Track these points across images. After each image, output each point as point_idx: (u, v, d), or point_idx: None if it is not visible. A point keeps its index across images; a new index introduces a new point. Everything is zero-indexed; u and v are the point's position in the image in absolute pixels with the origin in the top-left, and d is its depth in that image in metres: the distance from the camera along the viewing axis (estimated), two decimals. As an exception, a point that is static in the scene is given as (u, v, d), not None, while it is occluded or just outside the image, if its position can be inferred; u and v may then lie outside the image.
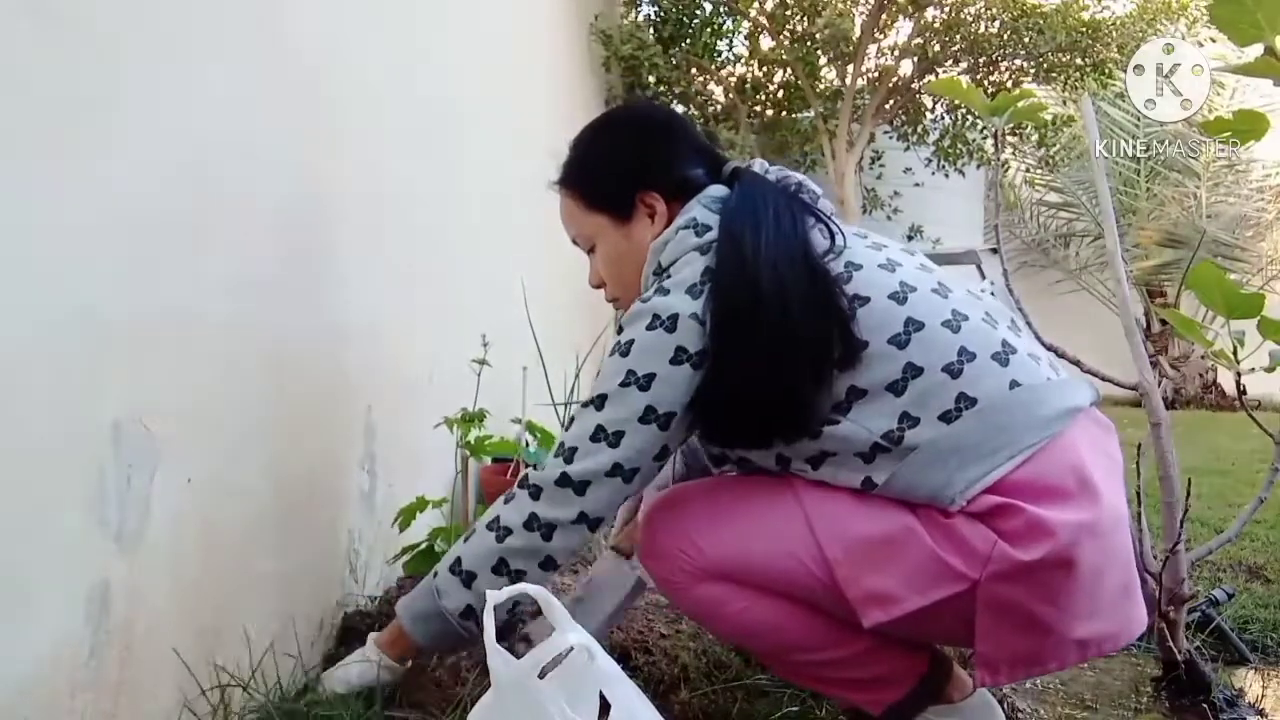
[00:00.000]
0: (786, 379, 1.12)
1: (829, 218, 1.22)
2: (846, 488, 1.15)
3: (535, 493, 1.17)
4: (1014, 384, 1.12)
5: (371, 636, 1.30)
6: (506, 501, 1.20)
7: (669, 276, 1.20)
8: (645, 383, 1.13)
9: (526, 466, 2.37)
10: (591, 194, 1.30)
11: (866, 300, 1.14)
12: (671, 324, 1.13)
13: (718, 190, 1.26)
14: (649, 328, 1.14)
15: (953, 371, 1.11)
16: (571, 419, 1.20)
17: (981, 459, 1.08)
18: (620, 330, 1.18)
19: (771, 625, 1.18)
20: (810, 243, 1.18)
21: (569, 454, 1.16)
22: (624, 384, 1.14)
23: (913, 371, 1.11)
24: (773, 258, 1.14)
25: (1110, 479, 1.14)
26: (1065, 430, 1.11)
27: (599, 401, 1.16)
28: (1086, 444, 1.14)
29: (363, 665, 1.28)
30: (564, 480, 1.15)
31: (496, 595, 0.97)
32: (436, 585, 1.20)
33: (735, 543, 1.18)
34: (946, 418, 1.10)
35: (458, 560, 1.19)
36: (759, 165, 1.32)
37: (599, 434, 1.15)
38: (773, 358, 1.12)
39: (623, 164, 1.30)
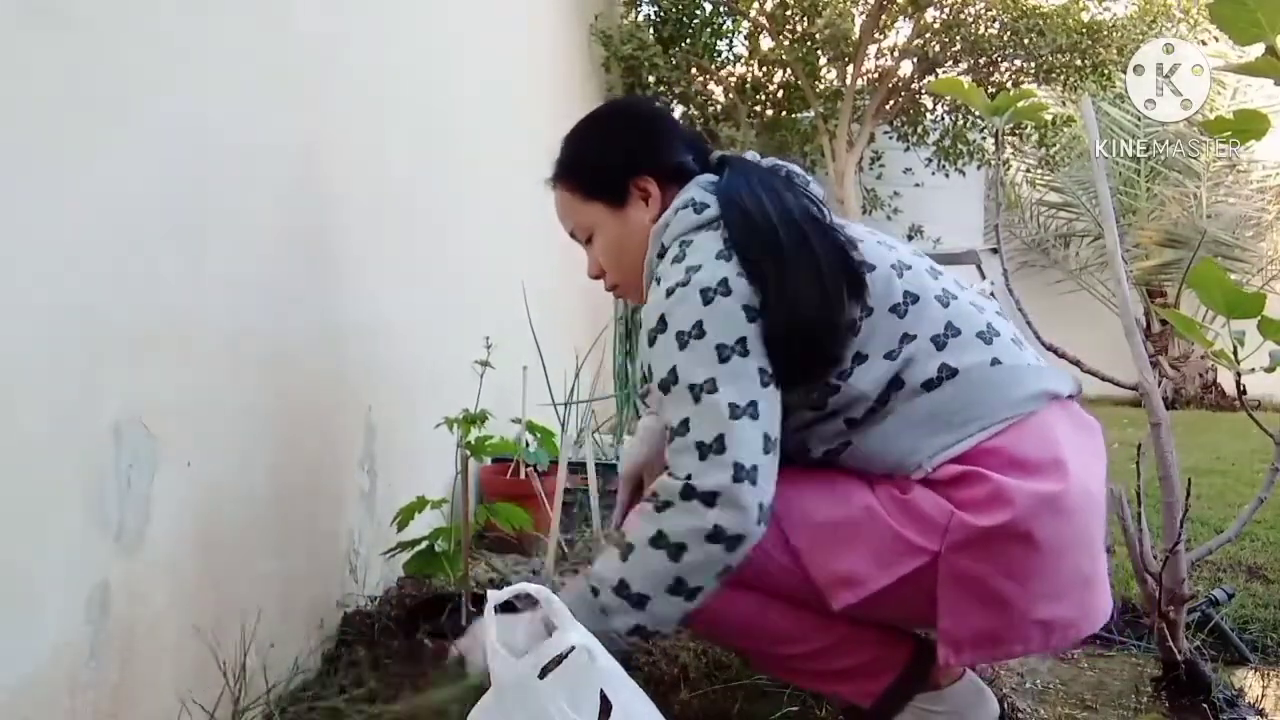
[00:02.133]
0: (829, 307, 1.13)
1: (818, 200, 1.24)
2: (805, 465, 1.18)
3: (709, 499, 1.05)
4: (995, 361, 1.16)
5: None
6: (661, 510, 1.07)
7: (682, 256, 1.18)
8: (743, 348, 1.09)
9: (527, 466, 2.38)
10: (586, 184, 1.31)
11: (873, 268, 1.17)
12: (725, 288, 1.11)
13: (709, 176, 1.28)
14: (706, 302, 1.10)
15: (938, 343, 1.15)
16: (679, 425, 1.09)
17: (953, 428, 1.12)
18: (664, 323, 1.12)
19: (748, 618, 1.19)
20: (800, 198, 1.21)
21: (718, 444, 1.06)
22: (724, 359, 1.09)
23: (906, 339, 1.15)
24: (780, 214, 1.17)
25: (1085, 464, 1.15)
26: (1041, 411, 1.15)
27: (709, 385, 1.08)
28: (1064, 429, 1.16)
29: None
30: (739, 475, 1.05)
31: (496, 595, 0.97)
32: (602, 604, 1.08)
33: None
34: (928, 385, 1.14)
35: (623, 582, 1.07)
36: (750, 155, 1.34)
37: (736, 411, 1.07)
38: (813, 279, 1.13)
39: (615, 152, 1.31)
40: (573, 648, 0.91)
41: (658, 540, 1.06)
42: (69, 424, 0.93)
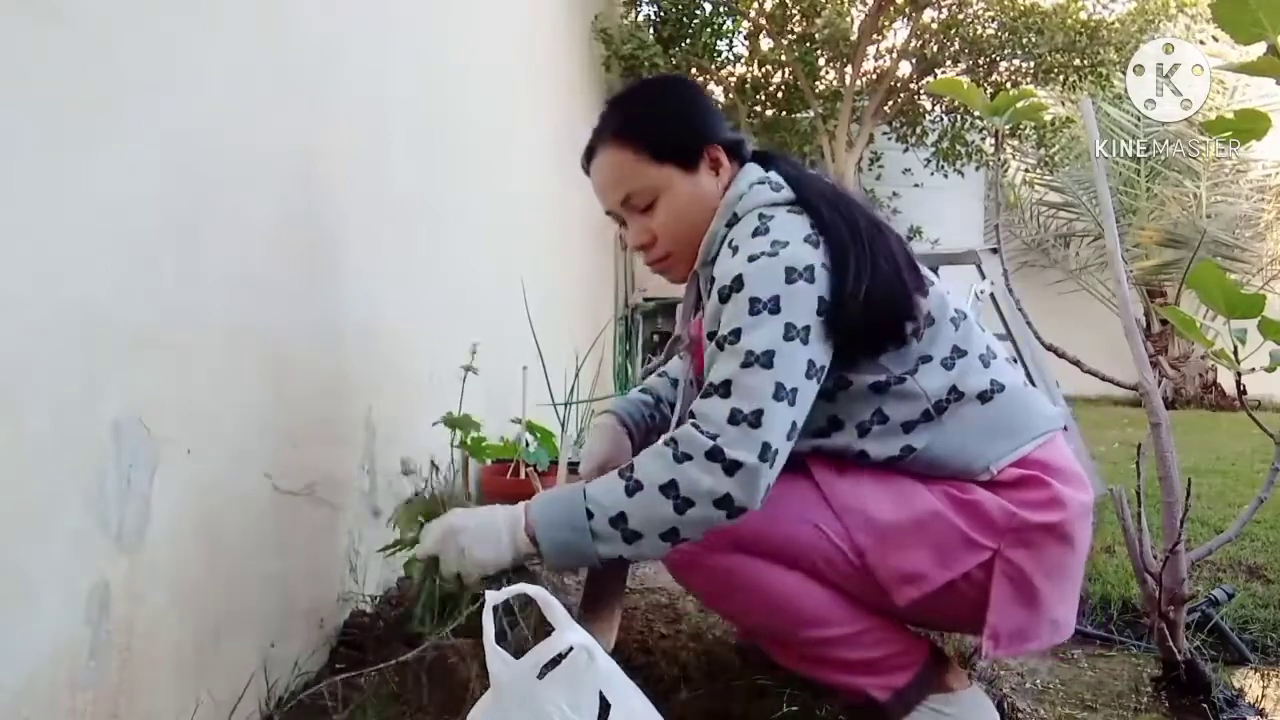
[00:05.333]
0: (905, 284, 1.18)
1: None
2: (872, 464, 1.21)
3: (731, 468, 1.06)
4: (1026, 383, 1.28)
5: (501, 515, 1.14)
6: (680, 462, 1.07)
7: (765, 230, 1.16)
8: (805, 336, 1.10)
9: (527, 466, 2.38)
10: (657, 144, 1.27)
11: (931, 281, 1.24)
12: (810, 275, 1.11)
13: (757, 165, 1.30)
14: (789, 280, 1.10)
15: (985, 361, 1.24)
16: (720, 384, 1.09)
17: (1012, 435, 1.22)
18: (740, 283, 1.11)
19: (786, 594, 1.21)
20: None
21: (755, 417, 1.07)
22: (789, 337, 1.09)
23: (959, 353, 1.23)
24: (858, 208, 1.23)
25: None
26: (1056, 430, 1.27)
27: (765, 358, 1.08)
28: (1069, 450, 1.29)
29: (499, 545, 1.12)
30: (764, 455, 1.06)
31: (496, 596, 0.97)
32: (593, 528, 1.09)
33: (764, 523, 1.18)
34: (983, 397, 1.22)
35: (622, 515, 1.08)
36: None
37: (780, 392, 1.08)
38: (890, 261, 1.18)
39: (686, 115, 1.31)
40: (571, 648, 0.91)
41: (668, 489, 1.07)
42: (69, 424, 0.93)
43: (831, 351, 1.14)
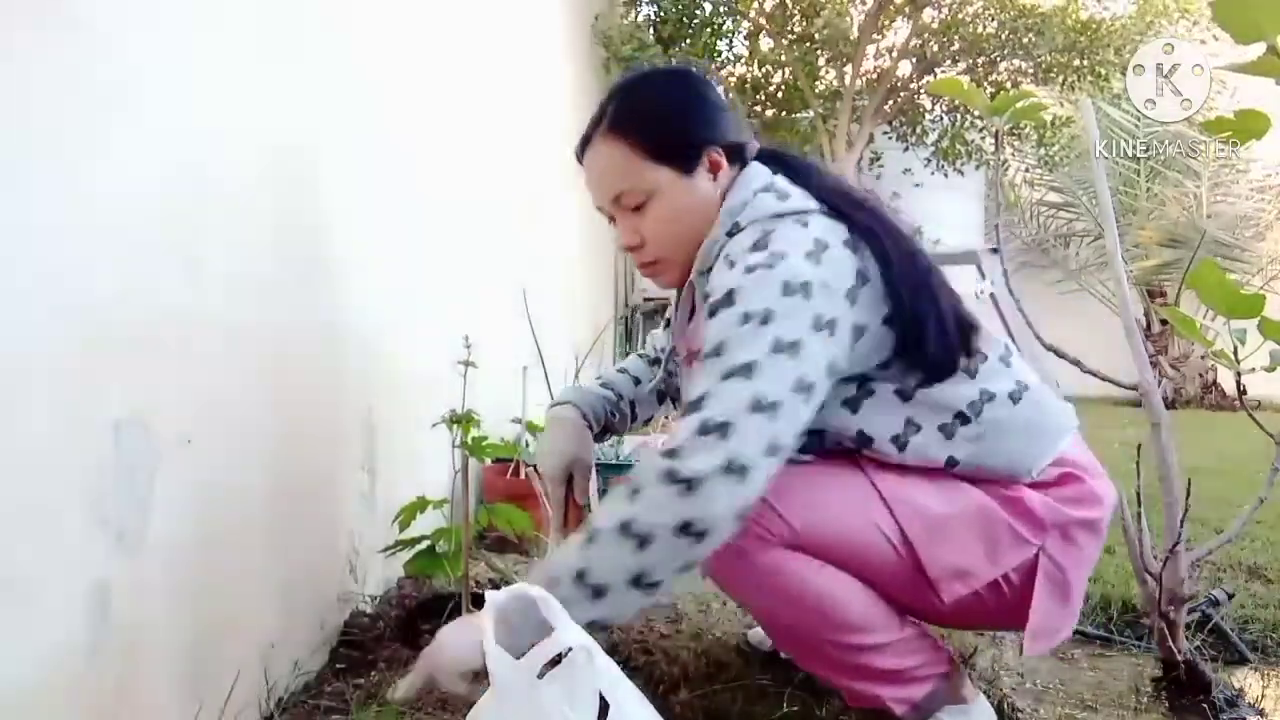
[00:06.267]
0: (949, 302, 1.17)
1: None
2: (917, 469, 1.19)
3: (690, 485, 0.95)
4: (1041, 381, 1.26)
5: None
6: (635, 495, 0.97)
7: (765, 243, 1.10)
8: (793, 350, 1.02)
9: (527, 466, 2.38)
10: (654, 143, 1.20)
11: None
12: (806, 291, 1.05)
13: (763, 166, 1.23)
14: (785, 294, 1.04)
15: (1005, 362, 1.23)
16: (696, 398, 1.01)
17: (1046, 434, 1.22)
18: (731, 297, 1.06)
19: (831, 596, 1.16)
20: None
21: (722, 429, 0.97)
22: (776, 350, 1.02)
23: (980, 358, 1.21)
24: (861, 198, 1.21)
25: None
26: (1076, 427, 1.27)
27: (744, 371, 1.00)
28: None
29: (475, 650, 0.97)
30: (728, 468, 0.96)
31: (497, 596, 0.96)
32: (561, 597, 0.95)
33: (814, 513, 1.16)
34: (1013, 398, 1.20)
35: (582, 573, 0.96)
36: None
37: (757, 406, 0.99)
38: (923, 265, 1.17)
39: (695, 115, 1.23)
40: (570, 648, 0.91)
41: (624, 529, 0.96)
42: (69, 424, 0.93)
43: (834, 373, 1.08)
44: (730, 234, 1.17)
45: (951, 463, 1.18)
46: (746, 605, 1.37)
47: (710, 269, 1.17)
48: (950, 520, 1.16)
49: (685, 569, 0.98)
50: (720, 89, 1.39)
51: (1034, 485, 1.20)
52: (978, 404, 1.18)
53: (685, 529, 0.95)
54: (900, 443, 1.17)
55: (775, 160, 1.26)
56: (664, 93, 1.24)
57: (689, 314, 1.31)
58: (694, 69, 1.38)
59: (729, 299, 1.06)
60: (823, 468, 1.20)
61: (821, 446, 1.20)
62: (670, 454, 0.98)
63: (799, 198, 1.17)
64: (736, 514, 0.97)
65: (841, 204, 1.17)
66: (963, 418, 1.17)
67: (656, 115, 1.22)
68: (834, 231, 1.12)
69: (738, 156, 1.24)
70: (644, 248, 1.24)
